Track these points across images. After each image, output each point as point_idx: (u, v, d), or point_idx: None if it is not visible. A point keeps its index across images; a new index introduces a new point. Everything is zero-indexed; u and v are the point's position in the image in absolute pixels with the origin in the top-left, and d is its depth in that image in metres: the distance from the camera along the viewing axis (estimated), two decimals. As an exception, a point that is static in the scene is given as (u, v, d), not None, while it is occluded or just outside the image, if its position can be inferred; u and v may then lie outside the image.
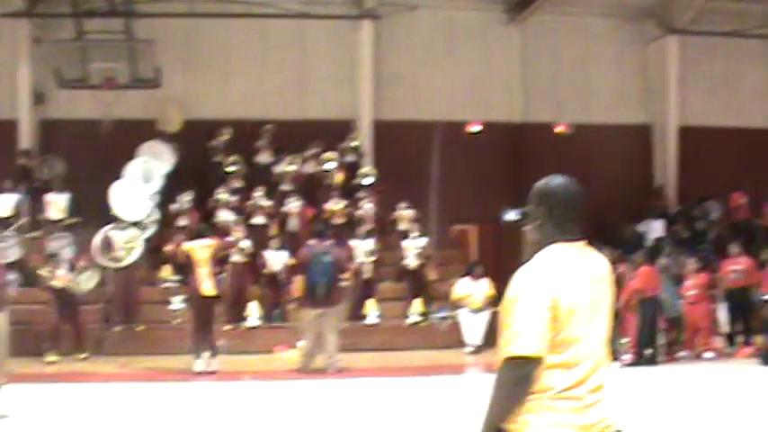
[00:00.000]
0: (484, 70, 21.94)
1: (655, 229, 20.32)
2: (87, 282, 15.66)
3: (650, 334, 14.73)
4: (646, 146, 22.67)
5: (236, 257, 16.37)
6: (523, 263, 3.89)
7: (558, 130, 22.02)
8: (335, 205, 18.28)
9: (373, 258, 17.27)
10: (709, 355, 15.25)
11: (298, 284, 13.74)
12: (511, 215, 4.33)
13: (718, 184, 21.04)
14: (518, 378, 3.58)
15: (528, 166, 21.38)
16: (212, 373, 13.37)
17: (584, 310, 3.68)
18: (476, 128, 21.68)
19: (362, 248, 17.19)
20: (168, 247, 14.00)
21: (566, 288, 3.64)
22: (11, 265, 15.44)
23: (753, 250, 16.96)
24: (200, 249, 13.55)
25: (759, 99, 22.60)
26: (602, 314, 3.79)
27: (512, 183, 21.30)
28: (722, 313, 16.07)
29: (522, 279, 3.70)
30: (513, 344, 3.58)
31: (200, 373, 13.33)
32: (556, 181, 3.90)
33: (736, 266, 16.00)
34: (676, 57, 22.33)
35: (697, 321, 15.37)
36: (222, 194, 17.97)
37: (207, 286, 13.35)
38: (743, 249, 16.40)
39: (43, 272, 15.09)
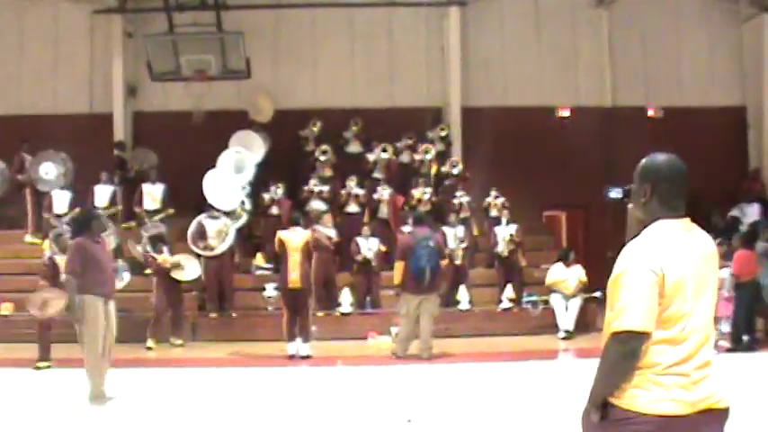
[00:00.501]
0: (572, 54, 21.75)
1: (750, 213, 19.87)
2: (191, 268, 15.93)
3: (748, 320, 14.45)
4: (740, 128, 22.19)
5: (324, 245, 16.49)
6: (627, 241, 3.90)
7: (649, 113, 21.71)
8: (422, 193, 18.30)
9: (464, 245, 17.28)
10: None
11: (398, 271, 13.71)
12: (615, 193, 4.36)
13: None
14: (625, 353, 3.60)
15: (618, 151, 21.13)
16: (306, 357, 13.51)
17: (690, 285, 3.68)
18: (565, 113, 21.50)
19: (454, 235, 17.19)
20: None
21: (672, 263, 3.65)
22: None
23: None
24: (294, 238, 13.69)
25: None
26: (708, 290, 3.79)
27: (601, 168, 21.13)
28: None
29: (629, 255, 3.71)
30: (620, 319, 3.60)
31: (292, 357, 13.49)
32: (660, 158, 3.91)
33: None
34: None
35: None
36: (314, 184, 18.13)
37: (294, 277, 13.48)
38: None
39: (155, 255, 15.38)
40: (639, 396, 3.61)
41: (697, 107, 21.61)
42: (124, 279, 15.07)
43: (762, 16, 21.65)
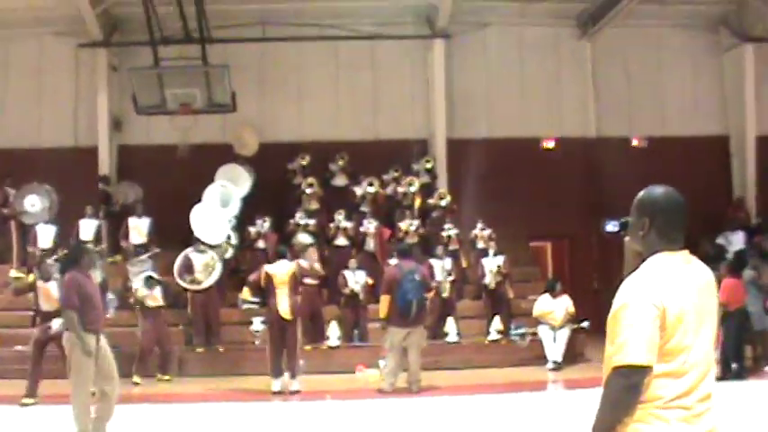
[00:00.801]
0: (556, 85, 21.86)
1: (735, 241, 19.95)
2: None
3: (736, 348, 14.45)
4: (723, 157, 22.33)
5: (308, 280, 16.42)
6: (625, 275, 3.89)
7: (633, 143, 21.83)
8: (408, 225, 18.29)
9: (452, 278, 17.27)
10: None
11: (384, 304, 13.68)
12: (612, 226, 4.36)
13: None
14: (627, 387, 3.58)
15: (603, 182, 21.26)
16: (295, 392, 13.43)
17: (691, 318, 3.67)
18: (549, 144, 21.59)
19: (441, 267, 17.18)
20: (252, 276, 14.06)
21: (673, 297, 3.64)
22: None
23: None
24: (281, 271, 13.66)
25: None
26: (708, 323, 3.78)
27: (587, 199, 21.25)
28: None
29: (629, 288, 3.69)
30: (621, 353, 3.58)
31: (278, 393, 13.38)
32: (658, 190, 3.90)
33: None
34: (752, 66, 21.93)
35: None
36: (300, 217, 18.11)
37: (284, 308, 13.44)
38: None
39: (139, 292, 15.27)
40: (642, 431, 3.58)
41: (681, 137, 21.74)
42: (111, 312, 14.98)
43: (742, 46, 21.85)
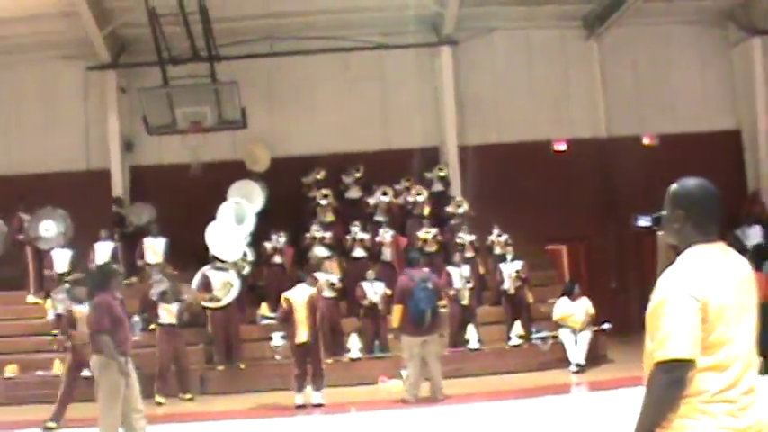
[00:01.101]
0: (565, 87, 21.85)
1: (752, 235, 19.83)
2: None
3: (762, 343, 14.29)
4: (736, 151, 22.25)
5: (326, 293, 16.42)
6: (659, 269, 3.84)
7: (645, 142, 21.77)
8: (426, 233, 18.27)
9: (471, 285, 17.20)
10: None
11: (396, 313, 13.65)
12: (644, 221, 4.29)
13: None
14: (671, 382, 3.52)
15: (616, 181, 21.23)
16: (318, 406, 13.38)
17: (732, 310, 3.63)
18: (561, 146, 21.55)
19: (459, 275, 17.12)
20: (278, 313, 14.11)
21: (714, 289, 3.59)
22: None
23: None
24: (299, 296, 13.65)
25: None
26: (749, 314, 3.73)
27: (600, 199, 21.19)
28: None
29: (668, 282, 3.63)
30: (664, 348, 3.52)
31: (301, 407, 13.34)
32: (691, 182, 3.86)
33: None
34: (761, 59, 21.90)
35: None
36: (316, 230, 18.08)
37: (302, 334, 13.47)
38: None
39: (161, 309, 15.24)
40: (689, 426, 3.53)
41: (692, 133, 21.66)
42: (137, 335, 14.87)
43: (750, 40, 21.81)
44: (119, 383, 9.45)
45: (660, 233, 4.07)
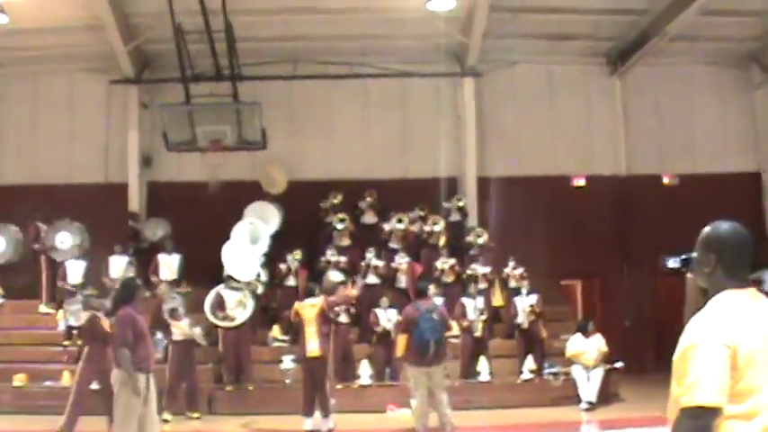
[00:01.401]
0: (586, 123, 21.84)
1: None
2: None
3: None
4: (756, 194, 22.16)
5: (341, 318, 16.33)
6: (688, 312, 3.77)
7: (664, 181, 21.71)
8: (444, 264, 18.23)
9: (484, 316, 17.11)
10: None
11: (401, 343, 13.58)
12: (673, 263, 4.24)
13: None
14: (696, 429, 3.45)
15: (634, 220, 21.15)
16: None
17: (762, 358, 3.55)
18: (580, 181, 21.51)
19: (473, 306, 17.03)
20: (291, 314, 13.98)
21: (744, 335, 3.52)
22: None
23: None
24: (309, 308, 13.59)
25: None
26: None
27: (617, 236, 21.12)
28: None
29: (699, 327, 3.57)
30: (691, 393, 3.45)
31: (310, 432, 13.25)
32: (724, 226, 3.80)
33: None
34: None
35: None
36: (331, 254, 18.05)
37: (313, 347, 13.38)
38: None
39: (173, 327, 15.18)
40: (715, 474, 3.45)
41: (712, 173, 21.64)
42: (160, 351, 14.76)
43: (768, 83, 21.81)
44: (137, 400, 9.37)
45: (689, 276, 4.01)
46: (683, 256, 4.08)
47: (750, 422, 3.49)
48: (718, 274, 3.72)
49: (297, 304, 13.95)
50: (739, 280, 3.70)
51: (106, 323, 12.24)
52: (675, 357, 3.61)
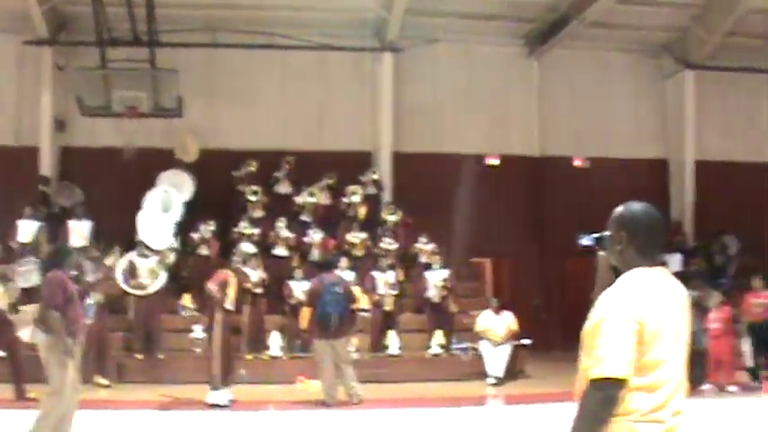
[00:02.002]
0: (503, 103, 22.06)
1: (672, 262, 20.23)
2: None
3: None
4: (662, 180, 22.72)
5: (250, 288, 16.29)
6: (597, 288, 3.92)
7: (576, 163, 22.10)
8: (355, 238, 18.32)
9: (395, 291, 17.25)
10: (733, 389, 15.22)
11: (305, 315, 13.73)
12: (587, 240, 4.36)
13: (735, 219, 21.07)
14: (604, 400, 3.59)
15: (545, 201, 21.51)
16: (231, 402, 13.19)
17: (667, 333, 3.71)
18: (494, 161, 21.75)
19: (384, 280, 17.17)
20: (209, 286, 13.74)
21: (651, 311, 3.67)
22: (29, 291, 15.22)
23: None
24: (221, 281, 13.43)
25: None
26: (682, 339, 3.82)
27: (529, 217, 21.45)
28: (746, 347, 16.01)
29: (608, 302, 3.71)
30: (600, 366, 3.59)
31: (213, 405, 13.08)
32: (637, 206, 3.94)
33: (758, 300, 15.97)
34: (693, 92, 22.49)
35: (721, 355, 15.32)
36: (244, 227, 17.99)
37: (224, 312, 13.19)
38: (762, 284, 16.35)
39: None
40: (616, 444, 3.60)
41: (622, 159, 22.08)
42: (90, 317, 14.39)
43: (683, 72, 22.32)
44: (69, 363, 9.22)
45: (601, 253, 4.14)
46: (596, 235, 4.21)
47: (653, 394, 3.65)
48: (629, 252, 3.86)
49: (210, 280, 13.68)
50: (650, 259, 3.84)
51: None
52: (585, 331, 3.75)
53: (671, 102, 22.84)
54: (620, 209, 3.97)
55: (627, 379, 3.59)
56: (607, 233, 3.99)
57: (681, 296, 3.88)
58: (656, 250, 3.87)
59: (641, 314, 3.63)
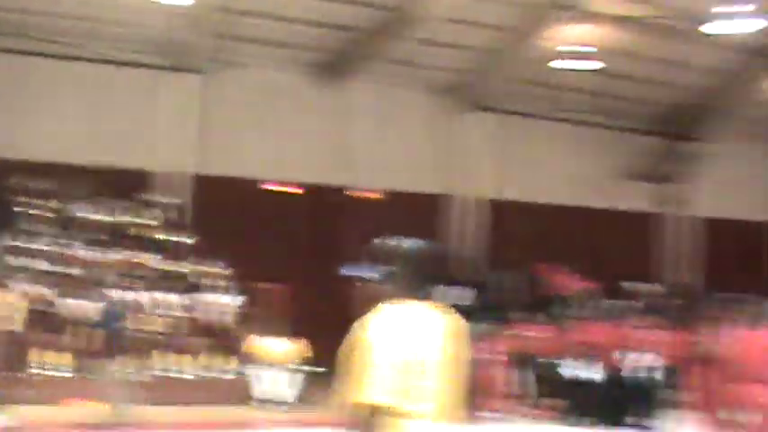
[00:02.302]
0: (298, 130, 22.03)
1: (456, 296, 20.69)
2: None
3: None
4: (444, 215, 23.51)
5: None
6: (358, 317, 3.99)
7: (359, 194, 22.44)
8: (145, 259, 18.04)
9: (173, 312, 17.06)
10: (497, 415, 15.76)
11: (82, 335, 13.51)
12: (352, 270, 4.38)
13: (520, 256, 21.89)
14: (358, 424, 3.70)
15: (343, 229, 21.64)
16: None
17: (416, 364, 3.81)
18: (279, 187, 21.93)
19: (170, 301, 16.95)
20: None
21: (406, 340, 3.79)
22: None
23: (553, 320, 17.64)
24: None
25: (561, 178, 23.94)
26: (437, 368, 3.92)
27: (312, 244, 21.57)
28: (515, 376, 16.58)
29: (363, 329, 3.81)
30: (352, 391, 3.69)
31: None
32: (407, 241, 4.08)
33: (532, 333, 16.63)
34: (475, 133, 23.41)
35: (492, 383, 15.83)
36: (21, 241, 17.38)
37: None
38: (543, 318, 17.08)
39: None
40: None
41: (406, 192, 22.75)
42: None
43: (471, 114, 23.37)
44: None
45: (367, 284, 4.22)
46: (363, 266, 4.30)
47: (404, 419, 3.79)
48: (394, 284, 3.99)
49: None
50: (415, 291, 3.99)
51: None
52: (339, 356, 3.85)
53: (457, 140, 23.59)
54: (389, 242, 4.10)
55: (379, 404, 3.69)
56: (375, 265, 4.09)
57: (442, 328, 4.00)
58: (421, 283, 4.02)
59: (395, 343, 3.75)
